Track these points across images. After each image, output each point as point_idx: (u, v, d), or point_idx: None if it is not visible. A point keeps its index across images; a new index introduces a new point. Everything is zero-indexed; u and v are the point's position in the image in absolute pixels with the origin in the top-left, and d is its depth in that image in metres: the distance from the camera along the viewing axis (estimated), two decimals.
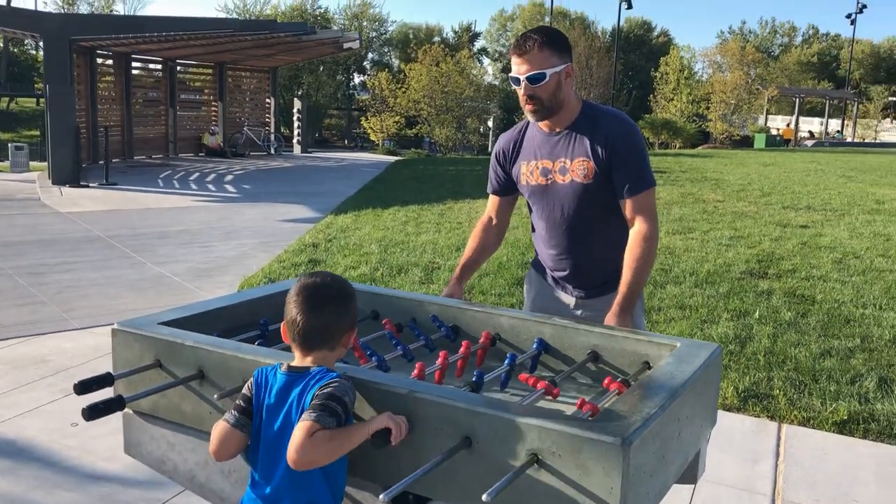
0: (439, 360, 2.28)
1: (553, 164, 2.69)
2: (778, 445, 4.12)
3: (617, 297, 2.62)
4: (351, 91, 53.48)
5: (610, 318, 2.61)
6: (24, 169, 17.33)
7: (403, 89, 28.73)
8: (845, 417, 4.35)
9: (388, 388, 1.87)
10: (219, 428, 1.82)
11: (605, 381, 2.24)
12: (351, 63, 51.12)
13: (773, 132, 40.74)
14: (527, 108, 2.63)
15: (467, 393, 1.87)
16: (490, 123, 34.57)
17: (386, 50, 61.82)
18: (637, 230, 2.65)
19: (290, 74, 42.88)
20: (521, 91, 2.59)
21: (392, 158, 23.69)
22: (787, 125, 43.17)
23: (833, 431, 4.26)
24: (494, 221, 2.97)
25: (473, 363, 2.47)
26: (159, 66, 21.57)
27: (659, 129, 33.96)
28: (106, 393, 2.09)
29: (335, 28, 38.99)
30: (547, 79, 2.53)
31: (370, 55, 58.75)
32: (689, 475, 2.26)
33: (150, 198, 13.02)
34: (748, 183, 16.25)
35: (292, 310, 1.80)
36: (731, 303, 6.49)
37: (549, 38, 2.56)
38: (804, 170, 20.13)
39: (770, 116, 46.47)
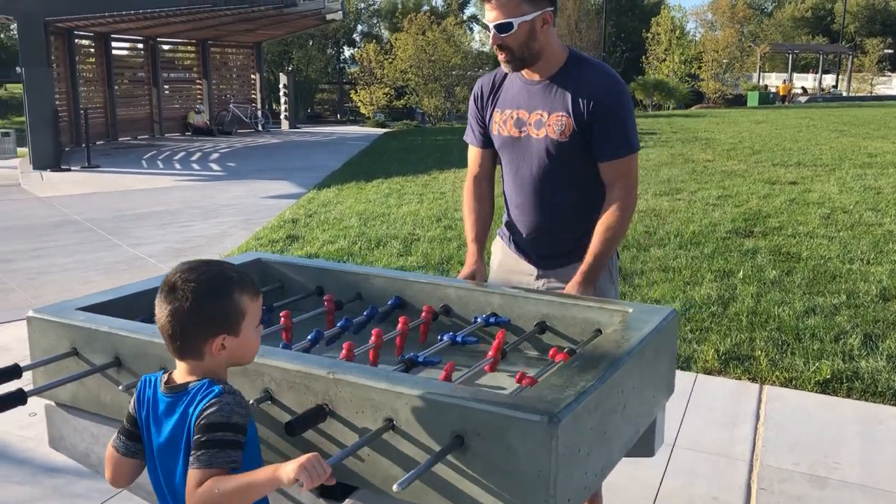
0: (372, 339, 2.14)
1: (529, 115, 2.48)
2: (758, 408, 4.01)
3: (581, 265, 2.45)
4: (342, 65, 52.97)
5: (571, 288, 2.44)
6: (12, 155, 17.04)
7: (390, 60, 28.36)
8: (828, 376, 4.24)
9: (307, 371, 1.75)
10: (108, 453, 1.63)
11: (551, 353, 2.11)
12: (340, 36, 50.58)
13: (770, 90, 40.33)
14: (500, 58, 2.44)
15: (389, 373, 1.73)
16: None
17: (375, 21, 61.12)
18: (614, 197, 2.46)
19: (280, 50, 42.27)
20: (491, 40, 2.40)
21: (381, 131, 23.43)
22: (784, 82, 42.74)
23: (816, 391, 4.15)
24: (483, 183, 2.71)
25: (416, 339, 2.34)
26: (140, 46, 21.25)
27: (651, 90, 33.62)
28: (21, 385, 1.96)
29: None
30: (515, 28, 2.33)
31: (359, 27, 58.11)
32: (644, 448, 2.14)
33: (132, 179, 12.84)
34: (739, 141, 16.05)
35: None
36: (715, 263, 6.36)
37: None
38: (796, 126, 19.90)
39: (764, 74, 46.03)
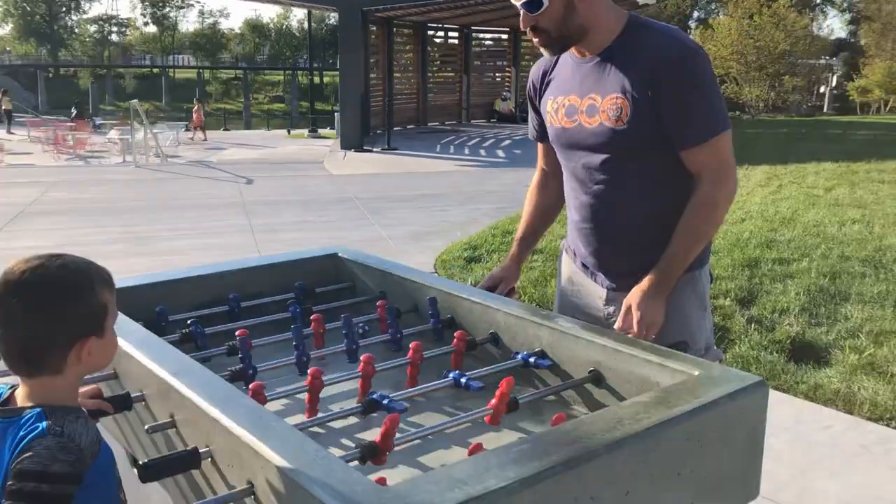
0: (360, 367, 1.77)
1: (581, 100, 2.02)
2: None
3: (651, 272, 1.92)
4: None
5: (631, 299, 1.91)
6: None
7: (708, 47, 26.63)
8: None
9: (197, 404, 1.44)
10: None
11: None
12: (674, 23, 48.85)
13: None
14: (535, 43, 2.01)
15: (273, 423, 1.35)
16: (833, 81, 30.80)
17: (713, 7, 58.15)
18: (699, 191, 1.94)
19: None
20: (521, 22, 1.97)
21: None
22: None
23: None
24: (550, 178, 2.34)
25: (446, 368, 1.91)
26: (455, 34, 22.20)
27: None
28: None
29: None
30: (546, 4, 1.89)
31: (696, 13, 55.89)
32: None
33: (419, 162, 13.39)
34: None
35: None
36: None
37: None
38: None
39: None
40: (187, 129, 22.48)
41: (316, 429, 1.68)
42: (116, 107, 48.83)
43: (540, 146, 2.32)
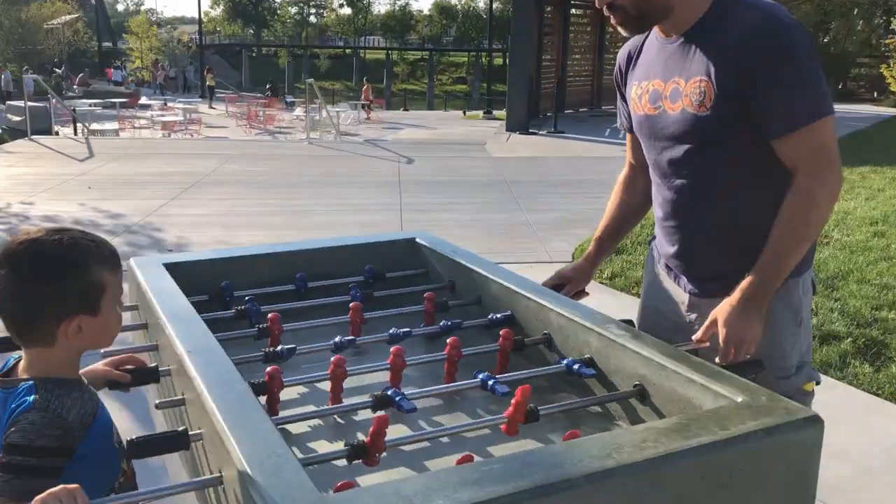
0: (389, 359, 1.70)
1: (665, 85, 1.83)
2: None
3: (742, 282, 1.70)
4: (891, 35, 46.92)
5: (718, 313, 1.71)
6: None
7: None
8: None
9: (196, 387, 1.42)
10: None
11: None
12: (893, 3, 44.59)
13: None
14: (612, 22, 1.82)
15: (253, 414, 1.30)
16: None
17: None
18: (794, 186, 1.69)
19: (816, 21, 38.45)
20: (596, 0, 1.80)
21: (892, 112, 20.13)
22: None
23: None
24: (638, 171, 2.14)
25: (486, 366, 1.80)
26: None
27: None
28: None
29: None
30: None
31: None
32: None
33: (584, 146, 13.07)
34: None
35: None
36: None
37: None
38: None
39: None
40: (370, 109, 23.32)
41: (338, 419, 1.64)
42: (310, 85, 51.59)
43: (629, 137, 2.14)
